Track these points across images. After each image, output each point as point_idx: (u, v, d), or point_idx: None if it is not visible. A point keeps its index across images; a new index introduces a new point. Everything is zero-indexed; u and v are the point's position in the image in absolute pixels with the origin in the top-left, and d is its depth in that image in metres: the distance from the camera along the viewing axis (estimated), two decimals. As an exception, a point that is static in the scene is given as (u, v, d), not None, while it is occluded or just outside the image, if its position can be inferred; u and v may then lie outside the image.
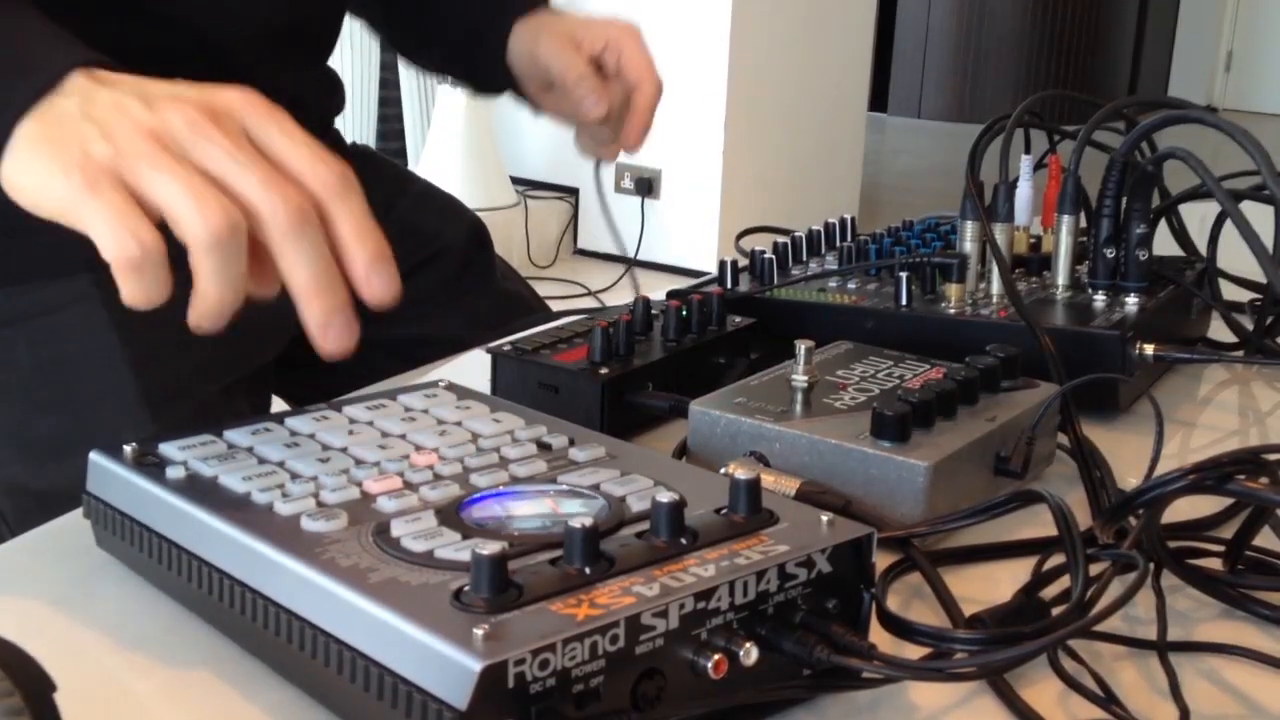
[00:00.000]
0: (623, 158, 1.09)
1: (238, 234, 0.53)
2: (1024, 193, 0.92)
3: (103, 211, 0.53)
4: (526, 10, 0.99)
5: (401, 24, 1.11)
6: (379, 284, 0.55)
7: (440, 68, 1.14)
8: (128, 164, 0.54)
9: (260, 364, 0.96)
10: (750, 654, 0.44)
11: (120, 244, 0.52)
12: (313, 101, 1.03)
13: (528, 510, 0.52)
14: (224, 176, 0.54)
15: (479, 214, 1.19)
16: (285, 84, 0.96)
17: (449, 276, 1.09)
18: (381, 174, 1.12)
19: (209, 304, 0.53)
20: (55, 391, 0.84)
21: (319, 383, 0.86)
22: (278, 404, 1.08)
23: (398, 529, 0.49)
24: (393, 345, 0.95)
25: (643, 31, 0.96)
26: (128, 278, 0.52)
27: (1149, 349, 0.78)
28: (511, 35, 0.99)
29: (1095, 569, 0.52)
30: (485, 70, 1.04)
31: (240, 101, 0.57)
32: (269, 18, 0.93)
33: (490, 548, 0.43)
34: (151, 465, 0.56)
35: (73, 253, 0.66)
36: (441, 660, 0.40)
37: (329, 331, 0.54)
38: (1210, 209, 0.91)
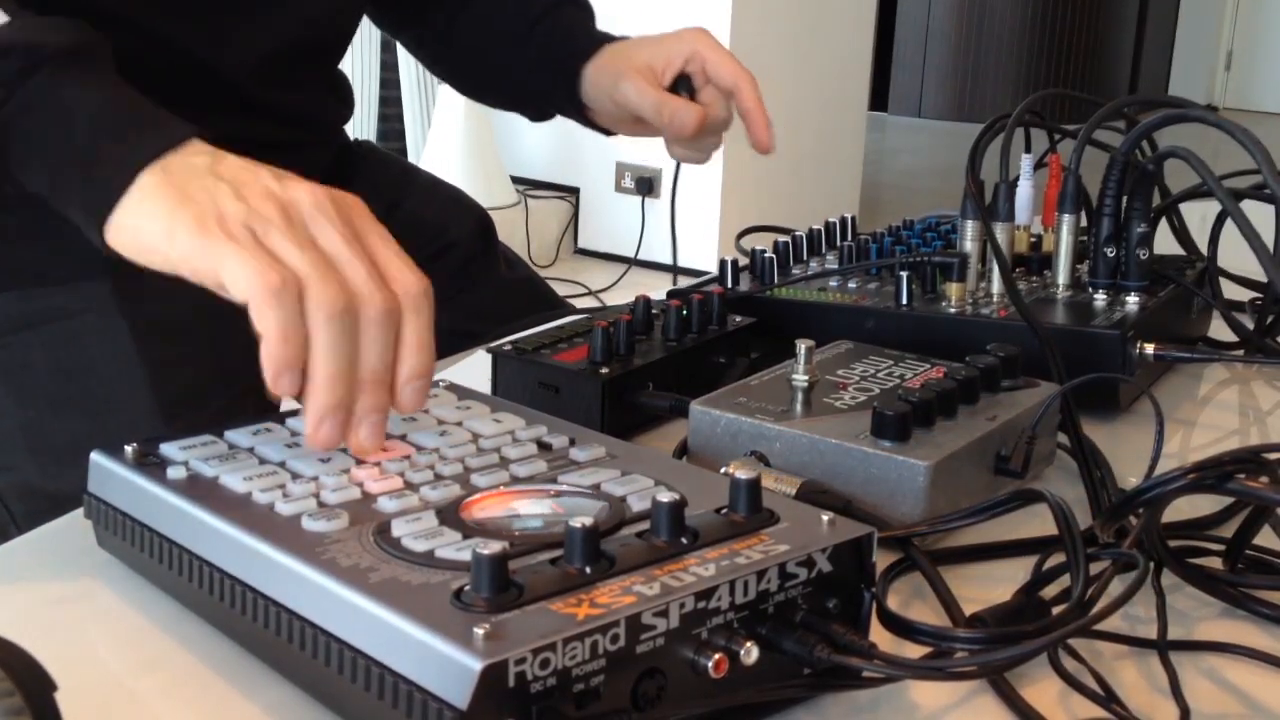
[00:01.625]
0: (623, 158, 1.10)
1: (353, 314, 0.54)
2: (1024, 192, 0.92)
3: (240, 254, 0.55)
4: (591, 51, 1.01)
5: (459, 73, 1.13)
6: (413, 396, 0.57)
7: (504, 106, 1.16)
8: (261, 225, 0.56)
9: None
10: (751, 653, 0.44)
11: (261, 275, 0.54)
12: (322, 113, 1.03)
13: (528, 510, 0.52)
14: (336, 260, 0.56)
15: (479, 213, 1.20)
16: (294, 100, 0.97)
17: (456, 269, 1.10)
18: (387, 169, 1.13)
19: (323, 391, 0.54)
20: (71, 395, 0.85)
21: None
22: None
23: (398, 529, 0.49)
24: None
25: (709, 31, 0.99)
26: (267, 304, 0.53)
27: (1149, 348, 0.78)
28: (582, 78, 1.01)
29: (1095, 568, 0.52)
30: (552, 107, 1.07)
31: (352, 200, 0.59)
32: (279, 39, 0.93)
33: (491, 547, 0.43)
34: (152, 465, 0.56)
35: (93, 258, 0.67)
36: (442, 660, 0.40)
37: (359, 428, 0.55)
38: (1211, 208, 0.91)
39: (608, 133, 1.06)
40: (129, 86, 0.66)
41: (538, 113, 1.11)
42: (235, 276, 0.54)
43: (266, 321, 0.53)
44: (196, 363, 0.86)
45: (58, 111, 0.64)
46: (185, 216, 0.57)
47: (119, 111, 0.63)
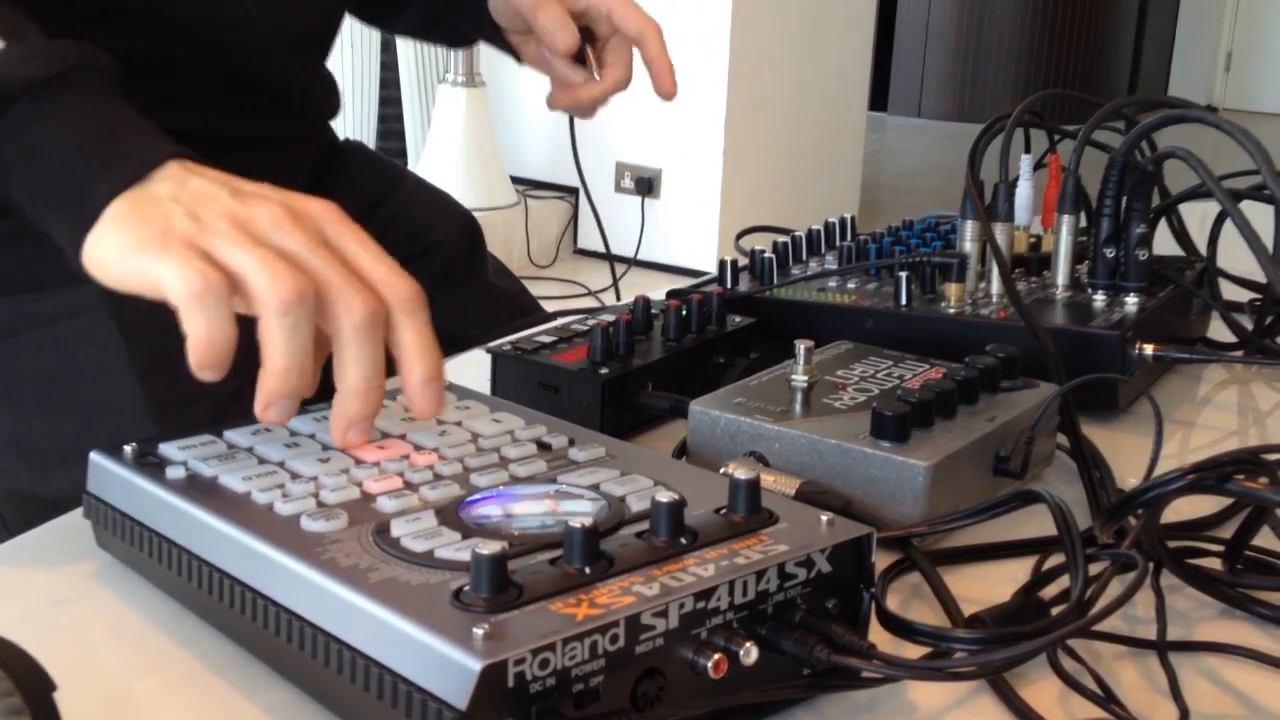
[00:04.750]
0: (623, 158, 1.09)
1: (307, 304, 0.54)
2: (1024, 192, 0.92)
3: (171, 262, 0.55)
4: None
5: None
6: (431, 400, 0.56)
7: (410, 30, 1.14)
8: (207, 238, 0.56)
9: None
10: (750, 653, 0.44)
11: (185, 279, 0.54)
12: (317, 102, 1.03)
13: (528, 510, 0.52)
14: (303, 264, 0.55)
15: (478, 214, 1.19)
16: (293, 86, 0.97)
17: (438, 272, 1.10)
18: (373, 170, 1.12)
19: (274, 380, 0.54)
20: (62, 398, 0.84)
21: (318, 383, 0.87)
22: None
23: (398, 529, 0.49)
24: None
25: None
26: (192, 308, 0.54)
27: (1148, 349, 0.78)
28: None
29: (1095, 569, 0.52)
30: (463, 25, 1.04)
31: (321, 209, 0.58)
32: (285, 23, 0.93)
33: (490, 547, 0.43)
34: (151, 465, 0.56)
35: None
36: (442, 660, 0.40)
37: (349, 431, 0.55)
38: (1210, 208, 0.91)
39: (518, 57, 1.02)
40: (111, 106, 0.66)
41: (450, 33, 1.08)
42: (168, 283, 0.55)
43: (189, 324, 0.54)
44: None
45: (30, 148, 0.64)
46: (134, 238, 0.58)
47: (88, 145, 0.64)
